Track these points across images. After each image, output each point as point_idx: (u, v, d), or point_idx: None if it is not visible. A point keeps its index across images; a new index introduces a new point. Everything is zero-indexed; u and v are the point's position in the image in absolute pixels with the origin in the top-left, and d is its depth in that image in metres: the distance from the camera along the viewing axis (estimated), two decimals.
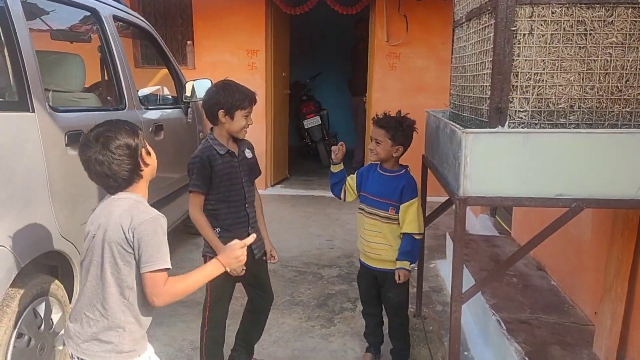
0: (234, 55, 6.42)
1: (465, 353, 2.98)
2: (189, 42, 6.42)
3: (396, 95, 6.33)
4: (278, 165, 6.99)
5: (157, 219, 1.65)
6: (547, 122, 1.85)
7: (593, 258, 2.71)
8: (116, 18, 3.26)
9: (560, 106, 1.85)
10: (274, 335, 3.13)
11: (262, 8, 6.31)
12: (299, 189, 6.82)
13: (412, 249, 2.51)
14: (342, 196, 2.68)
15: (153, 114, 3.57)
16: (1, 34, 2.17)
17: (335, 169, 2.64)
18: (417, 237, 2.50)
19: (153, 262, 1.60)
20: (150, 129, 3.37)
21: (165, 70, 4.49)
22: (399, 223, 2.52)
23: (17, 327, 2.14)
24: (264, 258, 2.60)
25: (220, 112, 2.35)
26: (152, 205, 2.91)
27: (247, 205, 2.45)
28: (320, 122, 7.81)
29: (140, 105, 3.38)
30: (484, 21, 1.99)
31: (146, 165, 1.72)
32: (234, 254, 1.70)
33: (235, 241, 1.71)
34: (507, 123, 1.84)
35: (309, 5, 6.21)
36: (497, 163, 1.80)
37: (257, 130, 5.76)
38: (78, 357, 1.71)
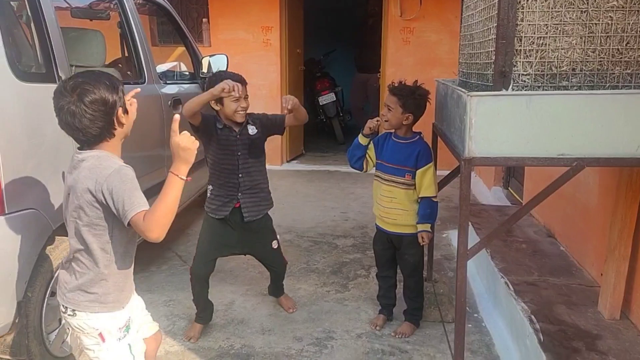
0: (249, 33, 6.49)
1: (475, 315, 3.09)
2: (204, 19, 6.50)
3: (410, 70, 6.35)
4: (293, 142, 7.09)
5: (120, 169, 1.62)
6: (549, 84, 1.92)
7: (599, 222, 2.78)
8: None
9: (562, 69, 1.91)
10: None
11: None
12: (314, 165, 6.93)
13: (432, 211, 2.63)
14: (364, 167, 2.77)
15: (171, 89, 3.69)
16: (29, 11, 2.29)
17: (364, 141, 2.70)
18: (434, 199, 2.62)
19: (129, 210, 1.57)
20: (169, 102, 3.49)
21: (182, 48, 4.60)
22: (414, 188, 2.63)
23: (50, 286, 2.28)
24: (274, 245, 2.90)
25: (212, 102, 2.55)
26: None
27: (240, 175, 2.68)
28: (335, 99, 7.86)
29: (159, 80, 3.50)
30: None
31: (120, 124, 1.69)
32: (176, 140, 1.61)
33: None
34: (510, 86, 1.91)
35: None
36: (500, 125, 1.88)
37: (272, 106, 5.85)
38: (64, 306, 1.76)
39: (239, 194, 2.70)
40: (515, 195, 4.69)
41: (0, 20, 2.05)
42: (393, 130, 2.69)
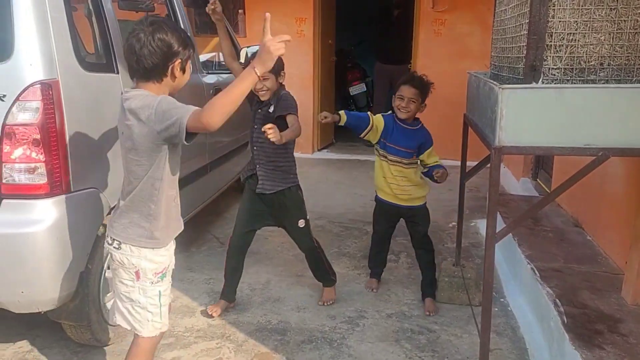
0: (283, 23, 6.61)
1: (502, 300, 3.21)
2: (240, 10, 6.65)
3: (440, 61, 6.41)
4: (325, 131, 7.22)
5: (166, 97, 1.77)
6: (578, 78, 2.02)
7: (625, 212, 2.86)
8: None
9: (590, 64, 2.01)
10: None
11: None
12: (345, 154, 7.05)
13: (442, 167, 2.97)
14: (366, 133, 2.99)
15: (212, 78, 3.87)
16: (91, 6, 2.47)
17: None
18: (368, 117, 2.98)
19: (184, 115, 1.67)
20: (211, 91, 3.66)
21: (218, 38, 4.74)
22: (417, 165, 3.01)
23: (107, 259, 2.45)
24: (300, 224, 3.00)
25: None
26: (212, 162, 3.31)
27: (255, 148, 2.88)
28: (365, 89, 7.97)
29: (202, 70, 3.67)
30: None
31: (173, 76, 1.82)
32: (268, 44, 1.67)
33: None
34: (540, 79, 2.01)
35: None
36: (530, 116, 1.98)
37: (304, 96, 5.98)
38: (111, 238, 1.91)
39: (257, 166, 2.88)
40: (543, 186, 4.75)
41: (67, 16, 2.22)
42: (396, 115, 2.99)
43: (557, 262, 3.07)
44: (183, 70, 1.85)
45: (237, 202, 5.03)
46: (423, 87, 2.91)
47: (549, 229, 3.58)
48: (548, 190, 4.52)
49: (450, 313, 3.03)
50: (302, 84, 6.63)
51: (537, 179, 4.98)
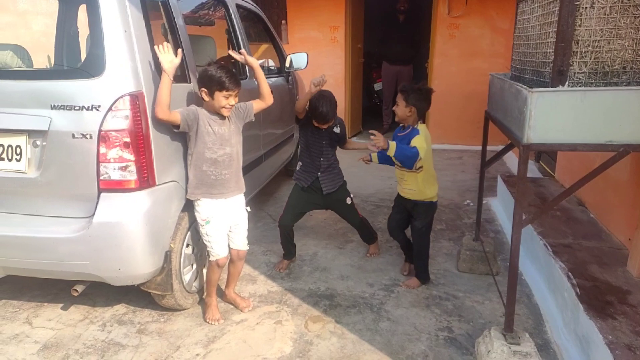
0: (319, 32, 6.44)
1: None
2: (283, 21, 6.49)
3: (454, 60, 6.17)
4: (354, 121, 7.07)
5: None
6: (601, 81, 1.84)
7: (630, 195, 2.67)
8: (238, 6, 3.41)
9: (614, 68, 1.82)
10: (362, 252, 3.33)
11: None
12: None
13: (406, 153, 2.52)
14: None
15: None
16: (166, 24, 2.38)
17: (375, 159, 2.93)
18: (415, 151, 2.52)
19: (251, 106, 2.46)
20: None
21: (266, 45, 4.63)
22: (418, 171, 2.67)
23: (185, 239, 2.44)
24: (347, 201, 3.07)
25: (313, 120, 2.84)
26: (262, 154, 3.30)
27: (322, 159, 2.93)
28: None
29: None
30: None
31: (203, 99, 2.25)
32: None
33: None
34: (567, 83, 1.84)
35: None
36: (556, 116, 1.82)
37: (337, 92, 5.72)
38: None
39: (319, 173, 2.94)
40: (546, 167, 4.53)
41: (148, 34, 2.14)
42: (402, 125, 2.74)
43: (566, 238, 2.90)
44: (211, 96, 2.26)
45: (285, 184, 5.02)
46: (405, 91, 2.62)
47: (557, 207, 3.38)
48: (551, 172, 4.31)
49: (472, 282, 2.91)
50: (336, 83, 6.47)
51: (540, 161, 4.76)
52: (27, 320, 2.53)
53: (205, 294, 2.58)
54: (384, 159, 2.85)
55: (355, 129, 7.19)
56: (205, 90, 2.22)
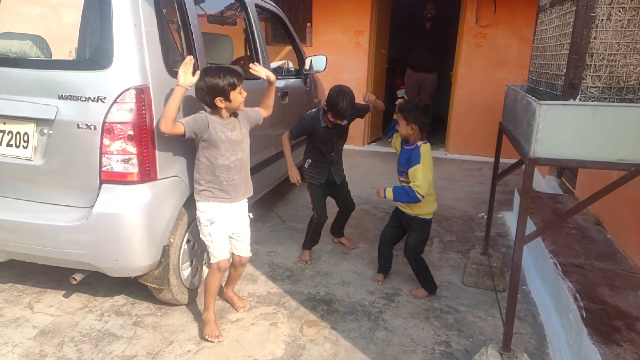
0: (344, 35, 6.42)
1: (524, 287, 2.96)
2: (308, 24, 6.49)
3: (479, 70, 6.05)
4: (374, 127, 7.01)
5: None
6: (615, 97, 1.75)
7: None
8: (257, 5, 3.42)
9: (630, 83, 1.73)
10: (366, 259, 3.28)
11: None
12: (391, 147, 6.79)
13: (403, 195, 2.60)
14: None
15: (281, 83, 3.74)
16: (180, 22, 2.39)
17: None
18: (416, 191, 2.54)
19: (259, 112, 2.49)
20: (279, 94, 3.55)
21: (288, 47, 4.63)
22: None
23: (185, 235, 2.44)
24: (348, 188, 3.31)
25: (329, 114, 2.95)
26: (274, 154, 3.33)
27: (333, 154, 3.10)
28: None
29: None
30: (566, 8, 1.88)
31: (218, 107, 2.17)
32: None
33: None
34: (578, 97, 1.76)
35: None
36: (566, 130, 1.74)
37: (358, 97, 5.78)
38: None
39: (331, 167, 3.15)
40: (567, 184, 4.37)
41: (159, 30, 2.15)
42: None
43: (579, 258, 2.78)
44: (227, 99, 2.21)
45: (297, 186, 4.96)
46: (403, 110, 2.62)
47: (572, 225, 3.26)
48: (572, 189, 4.15)
49: (476, 297, 2.82)
50: (357, 87, 6.41)
51: (562, 178, 4.60)
52: (29, 305, 2.58)
53: (203, 307, 2.45)
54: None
55: (375, 135, 7.13)
56: (220, 97, 2.14)
